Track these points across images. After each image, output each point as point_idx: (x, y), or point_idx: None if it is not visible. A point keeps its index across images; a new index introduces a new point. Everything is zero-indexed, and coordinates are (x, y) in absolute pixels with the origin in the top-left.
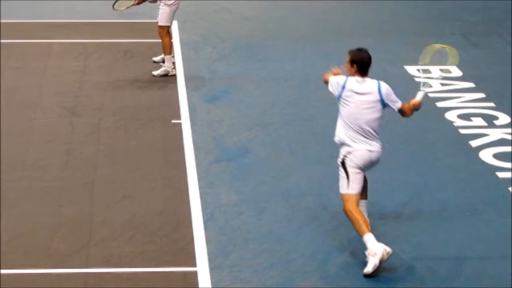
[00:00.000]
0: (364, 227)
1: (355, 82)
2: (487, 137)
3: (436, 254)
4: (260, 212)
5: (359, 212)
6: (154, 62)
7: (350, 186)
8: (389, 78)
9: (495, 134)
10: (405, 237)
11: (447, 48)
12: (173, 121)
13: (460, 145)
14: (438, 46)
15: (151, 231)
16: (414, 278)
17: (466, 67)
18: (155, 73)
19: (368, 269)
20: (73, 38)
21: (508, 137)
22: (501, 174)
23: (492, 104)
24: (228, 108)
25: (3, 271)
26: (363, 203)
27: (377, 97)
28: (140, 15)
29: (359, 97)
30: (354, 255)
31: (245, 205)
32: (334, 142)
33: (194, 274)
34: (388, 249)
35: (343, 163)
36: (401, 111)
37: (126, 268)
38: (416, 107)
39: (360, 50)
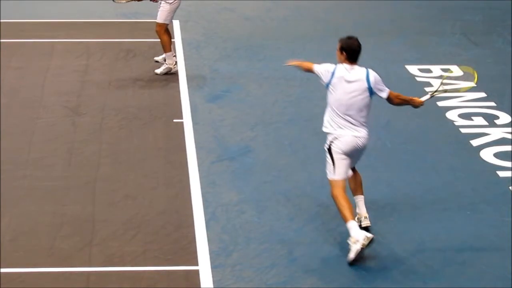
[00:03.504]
0: (348, 214)
1: (344, 69)
2: (488, 136)
3: (436, 253)
4: (262, 211)
5: (345, 199)
6: (156, 62)
7: (336, 171)
8: (390, 77)
9: (496, 133)
10: (405, 236)
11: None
12: (175, 120)
13: (461, 145)
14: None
15: (153, 230)
16: (415, 277)
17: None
18: (157, 71)
19: (351, 256)
20: (75, 37)
21: (509, 136)
22: (501, 173)
23: (492, 104)
24: (229, 108)
25: (6, 270)
26: (360, 198)
27: (365, 85)
28: (142, 15)
29: (347, 84)
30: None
31: (246, 204)
32: None
33: (196, 273)
34: (369, 235)
35: (329, 149)
36: (389, 99)
37: (128, 267)
38: (412, 103)
39: (350, 38)
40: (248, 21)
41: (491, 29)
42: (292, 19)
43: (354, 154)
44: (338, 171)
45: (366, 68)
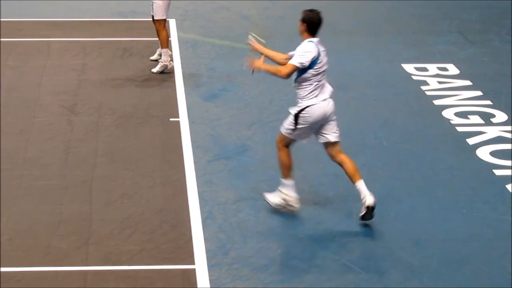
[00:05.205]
0: (286, 172)
1: (318, 44)
2: (484, 135)
3: (434, 252)
4: (259, 210)
5: (288, 157)
6: (152, 61)
7: (293, 134)
8: (387, 76)
9: (492, 132)
10: (402, 235)
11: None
12: (171, 119)
13: (457, 143)
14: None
15: (150, 229)
16: (412, 276)
17: (463, 65)
18: (154, 70)
19: (273, 202)
20: (71, 36)
21: (505, 134)
22: (498, 172)
23: (489, 102)
24: (226, 106)
25: (3, 269)
26: (360, 183)
27: (327, 56)
28: (138, 14)
29: (325, 56)
30: (354, 253)
31: (243, 203)
32: None
33: (193, 272)
34: (297, 207)
35: (296, 116)
36: None
37: (125, 266)
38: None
39: (311, 10)
40: (245, 20)
41: (488, 28)
42: (289, 18)
43: (322, 120)
44: (295, 134)
45: None
